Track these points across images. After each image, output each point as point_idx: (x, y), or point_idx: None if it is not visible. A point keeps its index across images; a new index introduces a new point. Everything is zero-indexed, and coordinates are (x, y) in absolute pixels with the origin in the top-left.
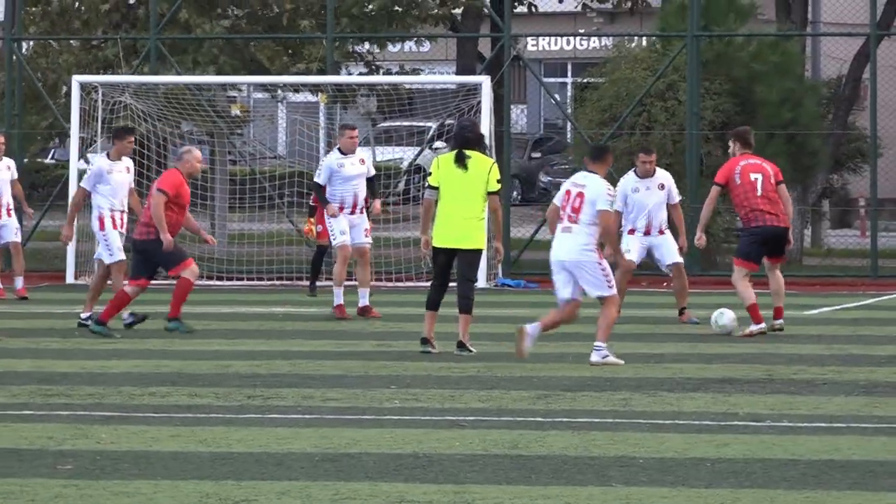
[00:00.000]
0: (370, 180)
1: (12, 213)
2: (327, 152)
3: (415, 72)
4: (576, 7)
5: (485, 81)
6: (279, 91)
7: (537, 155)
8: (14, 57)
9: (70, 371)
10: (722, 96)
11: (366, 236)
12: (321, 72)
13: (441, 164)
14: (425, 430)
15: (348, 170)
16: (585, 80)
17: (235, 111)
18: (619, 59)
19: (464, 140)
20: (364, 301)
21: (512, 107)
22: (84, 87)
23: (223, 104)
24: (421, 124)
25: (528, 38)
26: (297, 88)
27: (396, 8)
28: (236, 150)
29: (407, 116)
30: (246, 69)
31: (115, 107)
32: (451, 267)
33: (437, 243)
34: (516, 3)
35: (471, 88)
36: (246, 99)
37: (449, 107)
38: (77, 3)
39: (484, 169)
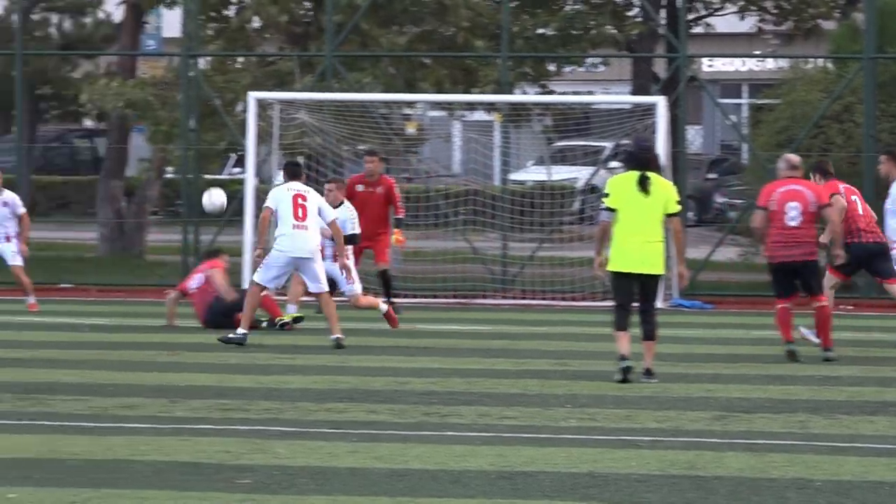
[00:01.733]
0: None
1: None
2: (502, 171)
3: (589, 92)
4: (751, 28)
5: (660, 102)
6: (455, 110)
7: (713, 176)
8: (191, 73)
9: (247, 386)
10: None
11: None
12: (496, 92)
13: (619, 186)
14: (601, 450)
15: None
16: (761, 102)
17: (410, 129)
18: (795, 81)
19: (644, 161)
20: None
21: (687, 127)
22: (260, 103)
23: (398, 122)
24: (596, 144)
25: (704, 59)
26: (472, 107)
27: (573, 31)
28: (411, 168)
29: (582, 136)
30: (419, 89)
31: (290, 122)
32: (633, 290)
33: (618, 268)
34: (692, 25)
35: (646, 108)
36: (421, 117)
37: (624, 127)
38: (253, 18)
39: (664, 191)
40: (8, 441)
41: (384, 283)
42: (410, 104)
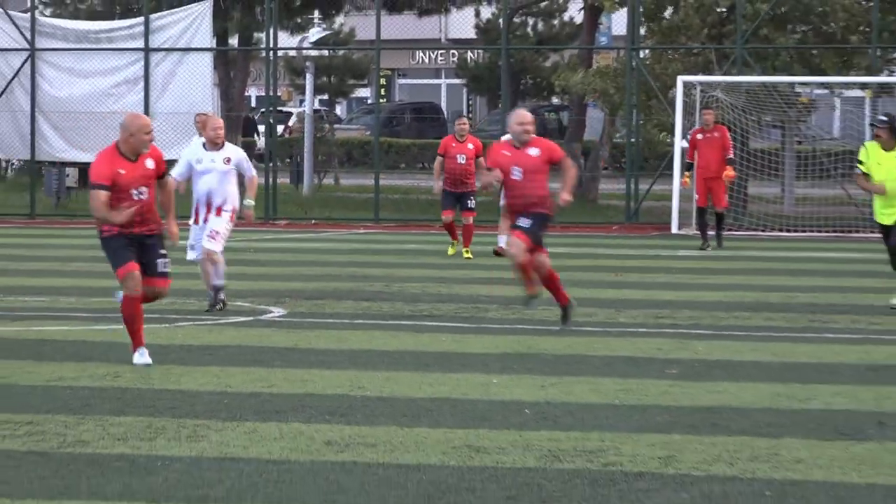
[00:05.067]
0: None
1: None
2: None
3: None
4: None
5: None
6: (835, 89)
7: None
8: (634, 63)
9: (674, 299)
10: None
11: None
12: (868, 74)
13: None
14: None
15: None
16: None
17: (803, 102)
18: None
19: None
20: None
21: None
22: (686, 85)
23: (793, 98)
24: None
25: None
26: (847, 87)
27: None
28: (801, 134)
29: None
30: (812, 73)
31: (709, 101)
32: None
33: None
34: None
35: None
36: (810, 94)
37: None
38: (684, 19)
39: None
40: (494, 340)
41: (719, 221)
42: (802, 84)
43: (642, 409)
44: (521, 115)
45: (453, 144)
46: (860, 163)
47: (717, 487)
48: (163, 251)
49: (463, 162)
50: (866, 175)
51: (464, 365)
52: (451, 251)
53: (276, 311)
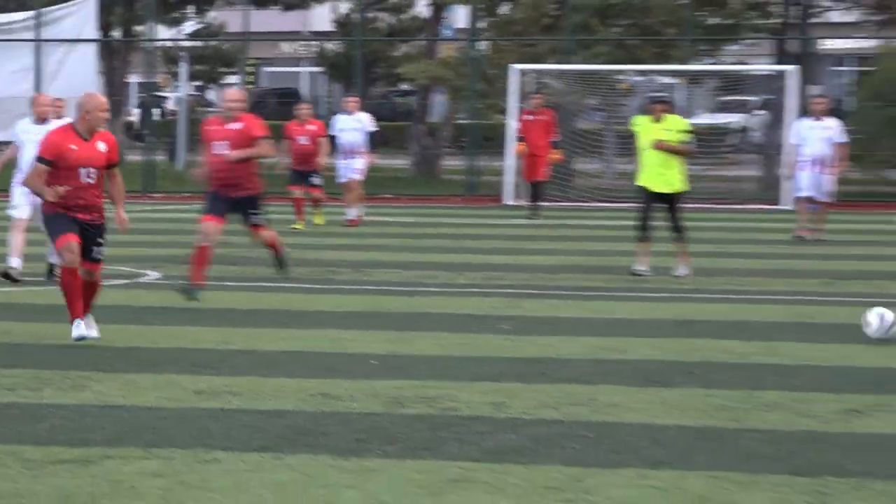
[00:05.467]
0: None
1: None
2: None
3: (740, 62)
4: (856, 19)
5: (791, 70)
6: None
7: None
8: (472, 54)
9: (507, 263)
10: None
11: None
12: (681, 63)
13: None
14: None
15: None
16: (862, 69)
17: (623, 87)
18: (886, 55)
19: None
20: None
21: (811, 86)
22: (520, 72)
23: (614, 84)
24: (747, 98)
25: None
26: (662, 74)
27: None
28: (622, 116)
29: (737, 93)
30: (632, 62)
31: (540, 87)
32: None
33: None
34: (814, 16)
35: (780, 74)
36: (630, 81)
37: (770, 86)
38: (520, 17)
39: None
40: (345, 299)
41: (535, 193)
42: (622, 72)
43: (477, 361)
44: (230, 93)
45: (296, 127)
46: (634, 131)
47: (543, 430)
48: (100, 240)
49: (306, 142)
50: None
51: (318, 322)
52: (300, 226)
53: (153, 275)
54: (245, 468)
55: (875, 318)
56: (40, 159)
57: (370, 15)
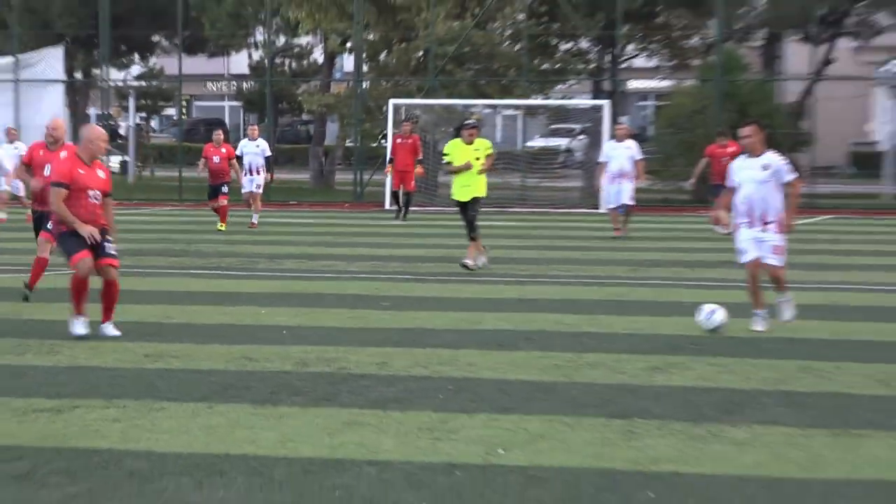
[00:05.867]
0: None
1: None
2: (522, 140)
3: (565, 97)
4: (654, 64)
5: (606, 104)
6: (497, 109)
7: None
8: (359, 90)
9: (387, 254)
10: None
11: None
12: (520, 98)
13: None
14: None
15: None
16: (660, 104)
17: (476, 118)
18: (678, 93)
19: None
20: None
21: (621, 117)
22: (395, 105)
23: (468, 115)
24: (571, 126)
25: (627, 81)
26: (506, 108)
27: (560, 66)
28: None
29: (564, 122)
30: (482, 97)
31: (410, 117)
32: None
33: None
34: (622, 62)
35: (598, 108)
36: (481, 112)
37: (587, 118)
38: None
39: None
40: (263, 283)
41: (406, 202)
42: (474, 105)
43: (365, 331)
44: (54, 122)
45: (212, 149)
46: (446, 154)
47: (415, 384)
48: (109, 239)
49: (218, 161)
50: (450, 163)
51: (241, 301)
52: (222, 227)
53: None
54: (185, 414)
55: (707, 311)
56: (58, 184)
57: (278, 60)
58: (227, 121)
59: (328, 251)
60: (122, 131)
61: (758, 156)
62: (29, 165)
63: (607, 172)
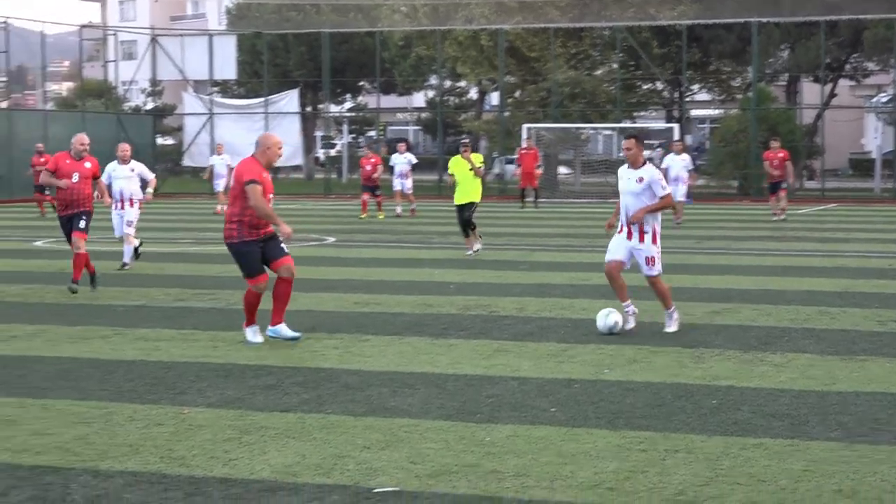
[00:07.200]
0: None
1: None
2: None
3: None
4: (710, 99)
5: (675, 126)
6: (598, 131)
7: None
8: (503, 116)
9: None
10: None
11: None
12: (615, 122)
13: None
14: None
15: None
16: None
17: (583, 138)
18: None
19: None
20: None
21: (687, 137)
22: (528, 129)
23: (579, 135)
24: (651, 142)
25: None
26: (604, 130)
27: (640, 100)
28: (583, 152)
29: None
30: (587, 122)
31: (538, 136)
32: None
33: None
34: (687, 94)
35: (669, 129)
36: (588, 133)
37: (662, 137)
38: (527, 98)
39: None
40: (433, 252)
41: (535, 195)
42: (582, 128)
43: (507, 285)
44: (79, 138)
45: (364, 161)
46: (449, 170)
47: (543, 323)
48: (280, 239)
49: (369, 169)
50: (453, 175)
51: (421, 265)
52: (379, 215)
53: (330, 239)
54: (383, 343)
55: (604, 316)
56: (253, 181)
57: (445, 97)
58: (410, 139)
59: (480, 230)
60: (338, 147)
61: (637, 168)
62: (53, 172)
63: (668, 178)
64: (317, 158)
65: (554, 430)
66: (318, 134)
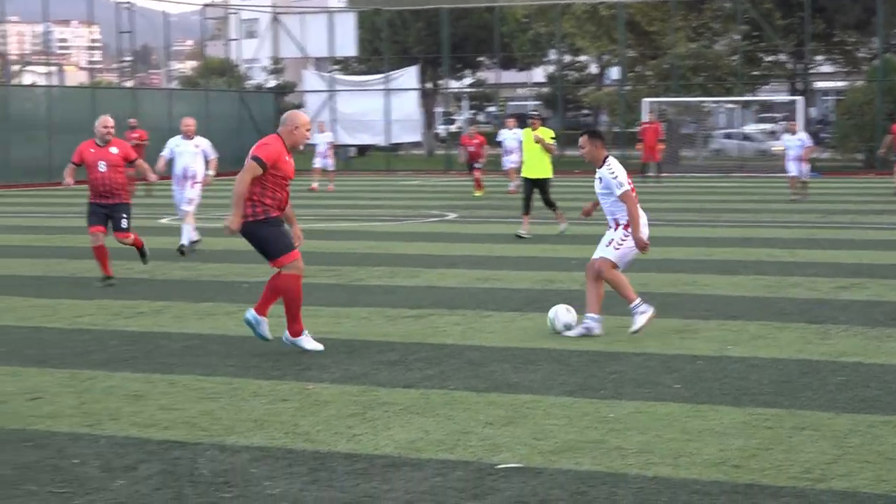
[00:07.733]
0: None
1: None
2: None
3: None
4: (834, 71)
5: (799, 100)
6: (720, 104)
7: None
8: (622, 92)
9: None
10: None
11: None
12: (739, 96)
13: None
14: None
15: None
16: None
17: (705, 111)
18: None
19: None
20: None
21: (811, 109)
22: (649, 103)
23: (702, 107)
24: (772, 115)
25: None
26: (726, 103)
27: (763, 73)
28: (706, 125)
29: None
30: (709, 96)
31: (660, 111)
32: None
33: None
34: (809, 69)
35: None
36: (709, 106)
37: (785, 110)
38: (648, 72)
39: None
40: (538, 228)
41: (658, 169)
42: (704, 101)
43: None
44: (104, 120)
45: (467, 139)
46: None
47: (668, 299)
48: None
49: (472, 145)
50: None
51: (539, 241)
52: (479, 193)
53: (452, 216)
54: (504, 320)
55: (560, 314)
56: (259, 160)
57: (565, 72)
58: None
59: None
60: (458, 123)
61: (599, 167)
62: (80, 165)
63: (786, 156)
64: (437, 134)
65: (678, 406)
66: (438, 110)
